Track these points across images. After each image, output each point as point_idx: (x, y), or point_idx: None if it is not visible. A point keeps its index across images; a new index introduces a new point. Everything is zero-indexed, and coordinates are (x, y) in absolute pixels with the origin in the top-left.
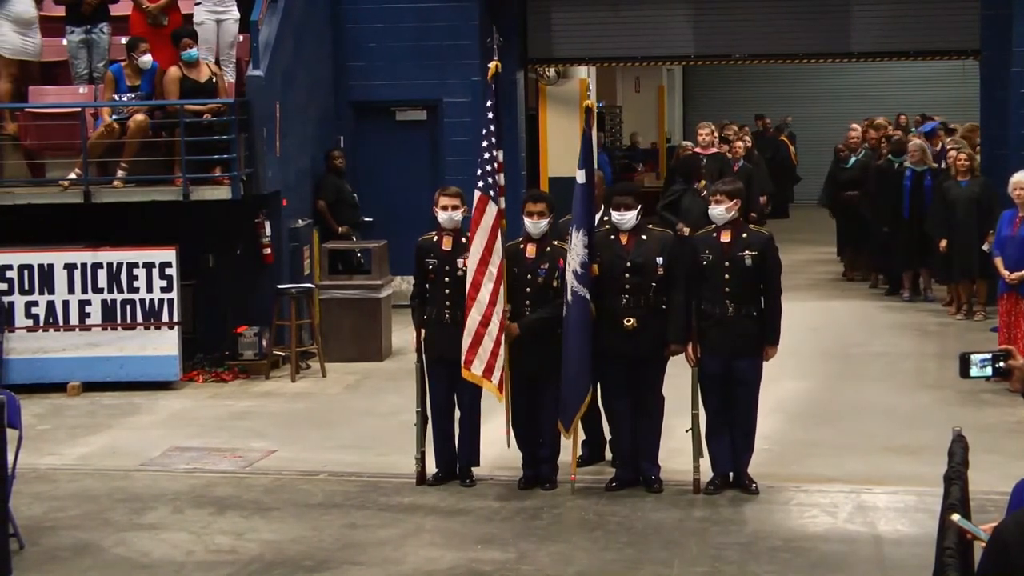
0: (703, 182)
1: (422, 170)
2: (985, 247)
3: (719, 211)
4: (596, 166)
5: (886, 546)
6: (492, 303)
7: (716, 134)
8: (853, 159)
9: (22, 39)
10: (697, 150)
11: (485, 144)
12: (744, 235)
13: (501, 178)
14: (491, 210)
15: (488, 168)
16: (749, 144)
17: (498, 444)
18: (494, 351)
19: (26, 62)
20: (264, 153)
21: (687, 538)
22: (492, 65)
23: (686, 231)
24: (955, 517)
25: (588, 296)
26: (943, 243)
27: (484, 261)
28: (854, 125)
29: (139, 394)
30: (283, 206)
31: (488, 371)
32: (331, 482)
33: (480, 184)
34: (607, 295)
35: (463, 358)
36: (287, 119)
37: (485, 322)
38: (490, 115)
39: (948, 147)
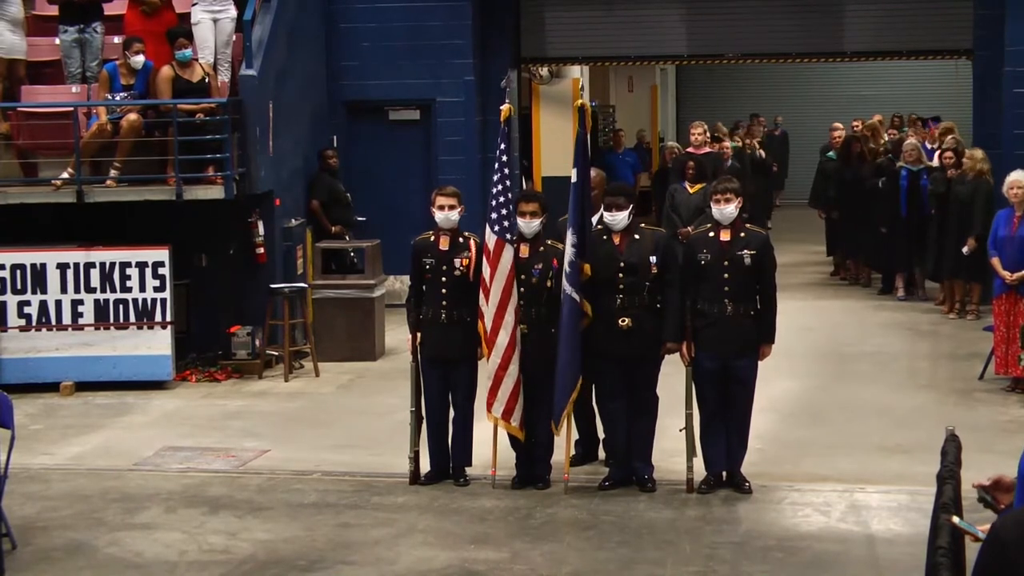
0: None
1: (415, 169)
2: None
3: (729, 210)
4: (589, 165)
5: (879, 545)
6: (511, 346)
7: (709, 133)
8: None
9: (15, 38)
10: (690, 150)
11: (500, 187)
12: (742, 234)
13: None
14: (508, 253)
15: (503, 211)
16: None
17: (491, 444)
18: (512, 393)
19: (14, 61)
20: (257, 152)
21: (680, 537)
22: (505, 108)
23: (690, 231)
24: (954, 519)
25: (575, 295)
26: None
27: (503, 305)
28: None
29: (132, 394)
30: (276, 205)
31: (507, 413)
32: (324, 482)
33: (495, 228)
34: (601, 295)
35: (485, 401)
36: (280, 118)
37: (504, 365)
38: (504, 158)
39: (944, 148)
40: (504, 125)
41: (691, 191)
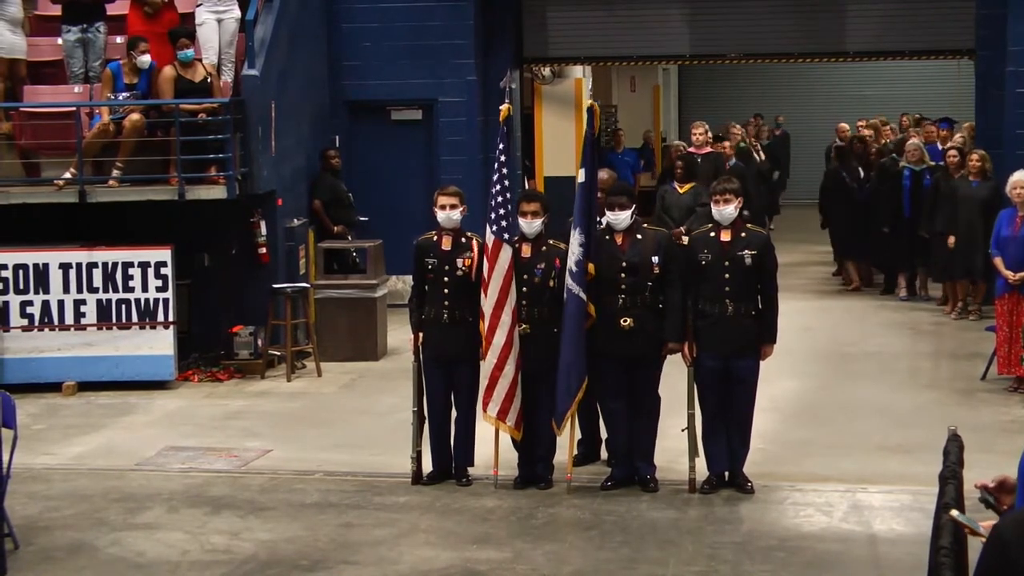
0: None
1: (417, 169)
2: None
3: (729, 211)
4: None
5: (881, 545)
6: (508, 346)
7: (710, 133)
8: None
9: (15, 38)
10: (691, 150)
11: (498, 187)
12: (743, 234)
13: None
14: (505, 253)
15: (501, 211)
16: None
17: (493, 443)
18: (508, 393)
19: (15, 61)
20: (259, 152)
21: (682, 537)
22: (504, 108)
23: (685, 240)
24: (953, 512)
25: (582, 295)
26: (951, 239)
27: (500, 305)
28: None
29: (134, 394)
30: (278, 205)
31: (503, 413)
32: (326, 481)
33: (494, 228)
34: (603, 295)
35: (480, 401)
36: (282, 118)
37: (500, 365)
38: (502, 157)
39: (948, 147)
40: (503, 125)
41: (681, 191)
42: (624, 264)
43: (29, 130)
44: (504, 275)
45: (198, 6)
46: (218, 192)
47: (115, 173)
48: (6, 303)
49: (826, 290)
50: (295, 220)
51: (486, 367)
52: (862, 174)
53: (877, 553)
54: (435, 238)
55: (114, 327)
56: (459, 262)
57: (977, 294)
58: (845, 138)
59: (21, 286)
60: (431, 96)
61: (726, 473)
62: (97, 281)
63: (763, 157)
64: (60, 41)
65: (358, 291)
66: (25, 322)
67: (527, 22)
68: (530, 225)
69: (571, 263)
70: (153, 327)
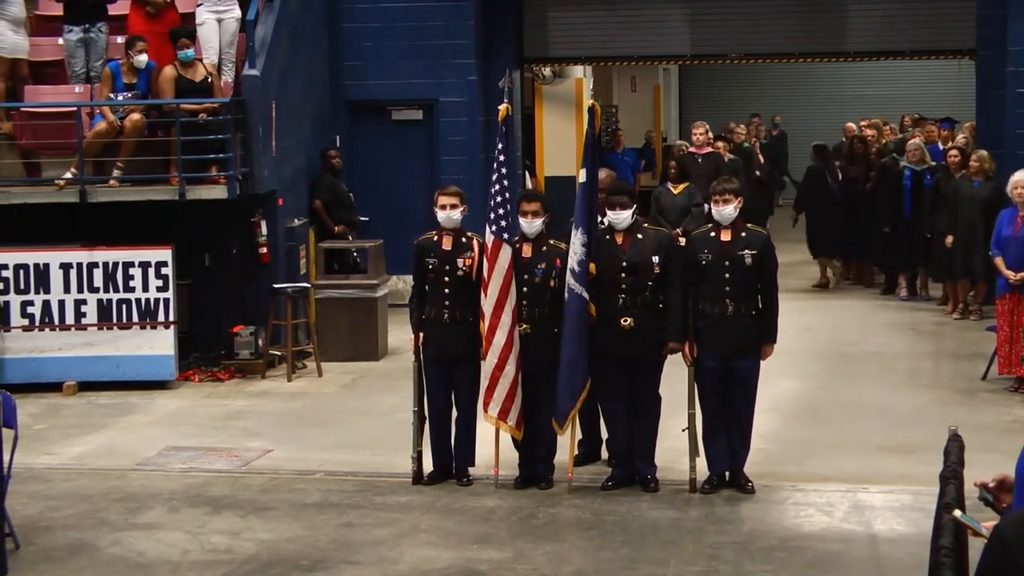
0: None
1: (418, 169)
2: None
3: (728, 211)
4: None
5: (882, 545)
6: (508, 346)
7: (711, 133)
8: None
9: (18, 38)
10: (692, 150)
11: (497, 187)
12: (743, 234)
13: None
14: (505, 253)
15: (500, 211)
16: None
17: (493, 444)
18: (509, 393)
19: (17, 60)
20: (260, 152)
21: (683, 537)
22: (503, 108)
23: (682, 241)
24: (955, 513)
25: (585, 295)
26: (949, 239)
27: (500, 305)
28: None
29: (135, 393)
30: (279, 205)
31: (503, 413)
32: (327, 481)
33: (493, 228)
34: (603, 295)
35: (481, 401)
36: (283, 118)
37: (501, 365)
38: (501, 157)
39: (949, 147)
40: (502, 125)
41: (675, 192)
42: (624, 264)
43: (30, 130)
44: (504, 275)
45: (198, 6)
46: (219, 192)
47: (116, 173)
48: (7, 303)
49: (826, 290)
50: (296, 220)
51: (487, 367)
52: (840, 175)
53: (878, 553)
54: (435, 238)
55: (115, 327)
56: (459, 262)
57: (978, 294)
58: (849, 138)
59: (22, 286)
60: (432, 96)
61: (727, 473)
62: (98, 281)
63: (763, 159)
64: (61, 41)
65: (359, 291)
66: (26, 322)
67: (528, 22)
68: (530, 225)
69: (573, 263)
70: (154, 327)
